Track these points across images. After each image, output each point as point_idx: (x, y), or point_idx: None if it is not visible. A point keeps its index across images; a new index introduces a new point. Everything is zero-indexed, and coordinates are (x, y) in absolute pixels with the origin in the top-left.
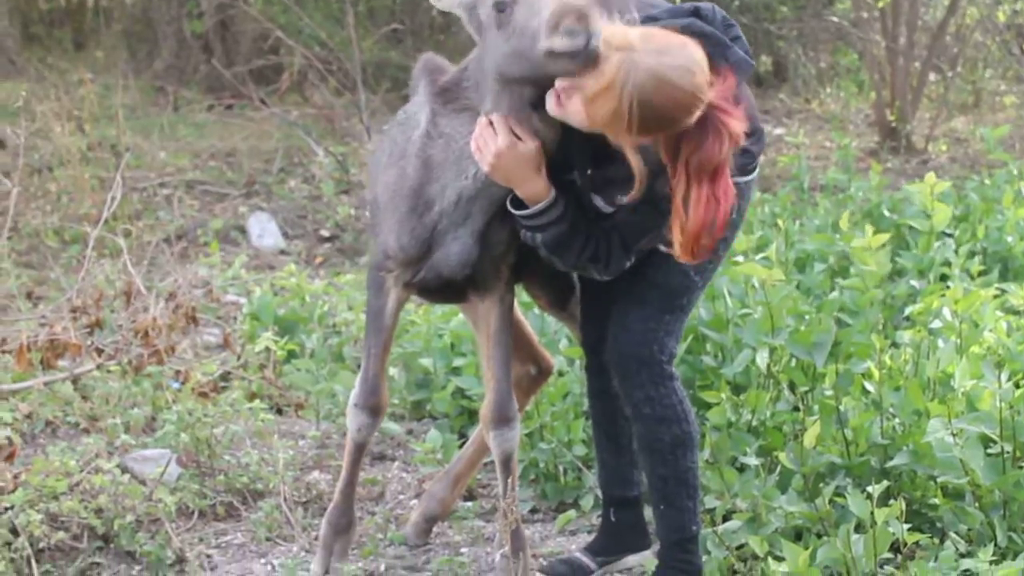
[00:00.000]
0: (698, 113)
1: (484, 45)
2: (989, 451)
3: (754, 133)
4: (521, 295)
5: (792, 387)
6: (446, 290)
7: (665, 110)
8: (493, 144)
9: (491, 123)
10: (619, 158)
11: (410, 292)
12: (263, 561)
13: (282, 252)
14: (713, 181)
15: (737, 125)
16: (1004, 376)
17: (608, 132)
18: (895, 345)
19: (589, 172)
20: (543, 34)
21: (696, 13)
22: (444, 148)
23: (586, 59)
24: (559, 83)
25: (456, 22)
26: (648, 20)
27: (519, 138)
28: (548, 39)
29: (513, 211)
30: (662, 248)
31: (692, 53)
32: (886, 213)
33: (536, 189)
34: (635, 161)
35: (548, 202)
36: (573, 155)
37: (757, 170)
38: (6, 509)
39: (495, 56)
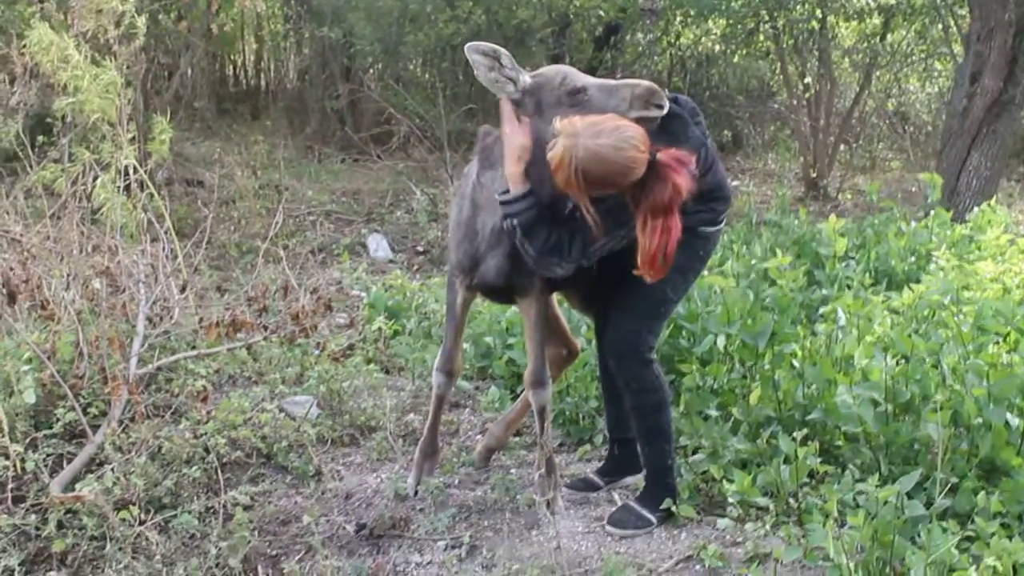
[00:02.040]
0: (635, 175)
1: (544, 118)
2: (877, 409)
3: (723, 198)
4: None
5: (742, 362)
6: (495, 292)
7: (602, 177)
8: (506, 128)
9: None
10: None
11: (473, 293)
12: (375, 475)
13: (391, 261)
14: (665, 217)
15: (682, 181)
16: (888, 357)
17: (568, 192)
18: (813, 334)
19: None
20: (635, 107)
21: (675, 101)
22: (484, 194)
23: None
24: (549, 155)
25: None
26: None
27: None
28: (640, 110)
29: (497, 196)
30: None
31: (623, 133)
32: (809, 243)
33: (513, 172)
34: (587, 206)
35: (524, 191)
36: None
37: (723, 223)
38: (201, 435)
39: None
